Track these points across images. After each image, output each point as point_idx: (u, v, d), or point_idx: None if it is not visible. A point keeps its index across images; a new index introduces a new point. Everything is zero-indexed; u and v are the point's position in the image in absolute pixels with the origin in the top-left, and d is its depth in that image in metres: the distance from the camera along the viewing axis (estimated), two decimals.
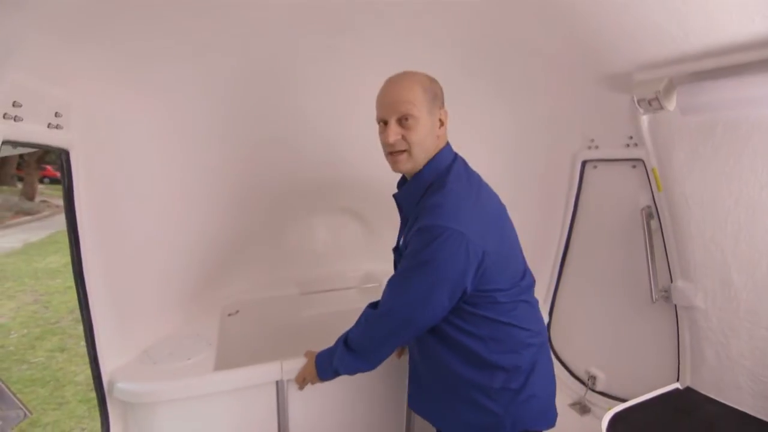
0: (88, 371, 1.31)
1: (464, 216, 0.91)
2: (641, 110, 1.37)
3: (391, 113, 0.99)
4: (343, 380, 1.39)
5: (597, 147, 1.68)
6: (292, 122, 1.82)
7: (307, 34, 1.48)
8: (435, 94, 1.02)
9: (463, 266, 0.90)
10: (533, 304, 1.09)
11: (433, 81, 1.04)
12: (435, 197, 0.95)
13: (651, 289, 1.47)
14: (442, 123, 1.04)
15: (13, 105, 0.86)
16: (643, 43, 1.22)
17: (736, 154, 1.21)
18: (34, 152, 10.12)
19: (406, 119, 0.98)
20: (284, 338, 2.21)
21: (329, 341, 2.27)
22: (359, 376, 1.36)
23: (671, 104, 1.29)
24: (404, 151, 1.00)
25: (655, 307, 1.51)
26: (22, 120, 0.89)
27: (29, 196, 10.53)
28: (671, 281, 1.44)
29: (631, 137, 1.50)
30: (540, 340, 1.08)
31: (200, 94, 1.52)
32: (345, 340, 1.10)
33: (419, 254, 0.91)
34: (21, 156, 11.43)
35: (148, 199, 1.52)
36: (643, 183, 1.51)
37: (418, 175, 1.04)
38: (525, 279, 1.06)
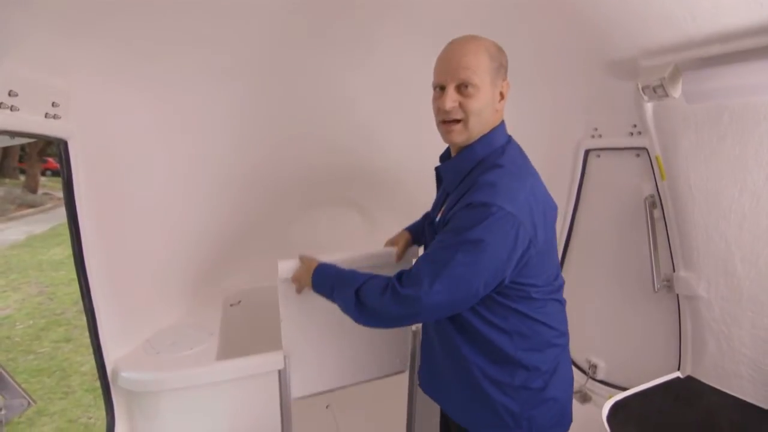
0: (94, 361, 1.32)
1: (518, 199, 0.85)
2: (646, 98, 1.34)
3: (451, 78, 0.91)
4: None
5: (600, 136, 1.66)
6: (295, 114, 1.81)
7: (311, 24, 1.46)
8: (501, 63, 0.94)
9: (509, 252, 0.84)
10: (563, 304, 1.04)
11: (500, 50, 0.96)
12: (489, 175, 0.88)
13: (653, 278, 1.46)
14: (502, 96, 0.97)
15: (9, 94, 0.86)
16: (648, 27, 1.19)
17: (742, 143, 1.19)
18: (36, 144, 10.13)
19: (466, 86, 0.90)
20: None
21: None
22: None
23: (676, 91, 1.27)
24: (459, 121, 0.93)
25: (657, 296, 1.50)
26: (18, 110, 0.88)
27: (32, 188, 10.55)
28: (674, 270, 1.44)
29: (635, 125, 1.48)
30: (565, 341, 1.03)
31: (202, 86, 1.51)
32: (357, 293, 0.94)
33: (467, 232, 0.83)
34: (23, 148, 11.44)
35: (150, 189, 1.52)
36: (646, 172, 1.50)
37: (469, 149, 0.96)
38: (558, 279, 1.02)
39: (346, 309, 0.98)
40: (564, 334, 1.02)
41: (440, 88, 0.95)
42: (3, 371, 0.83)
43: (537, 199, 0.90)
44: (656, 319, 1.56)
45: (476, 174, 0.92)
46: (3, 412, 0.83)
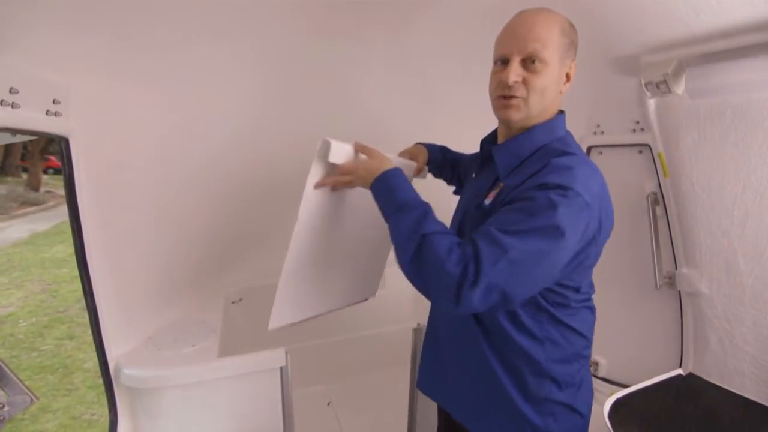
0: (96, 358, 1.32)
1: (593, 191, 0.76)
2: (649, 94, 1.34)
3: (518, 50, 0.82)
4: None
5: (603, 132, 1.65)
6: (297, 111, 1.81)
7: (309, 22, 1.45)
8: (572, 41, 0.85)
9: (575, 244, 0.74)
10: (594, 312, 0.97)
11: (573, 27, 0.86)
12: (564, 159, 0.79)
13: (655, 275, 1.46)
14: (568, 78, 0.87)
15: (10, 91, 0.86)
16: (651, 23, 1.18)
17: (746, 139, 1.19)
18: (38, 143, 10.15)
19: (533, 61, 0.81)
20: (287, 325, 2.23)
21: (333, 328, 2.27)
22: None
23: (680, 87, 1.26)
24: (519, 97, 0.84)
25: (659, 293, 1.50)
26: (19, 107, 0.88)
27: (34, 186, 10.59)
28: (676, 267, 1.43)
29: (637, 122, 1.47)
30: (590, 353, 0.96)
31: (205, 82, 1.51)
32: (420, 242, 0.76)
33: (541, 215, 0.71)
34: (25, 147, 11.47)
35: (151, 186, 1.52)
36: (649, 169, 1.49)
37: (528, 133, 0.87)
38: (592, 287, 0.96)
39: (400, 242, 0.80)
40: (591, 345, 0.95)
41: (502, 62, 0.85)
42: (6, 368, 0.84)
43: (606, 199, 0.82)
44: (658, 316, 1.55)
45: (538, 158, 0.83)
46: (6, 408, 0.84)
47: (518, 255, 0.70)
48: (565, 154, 0.81)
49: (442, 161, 1.28)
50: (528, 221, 0.72)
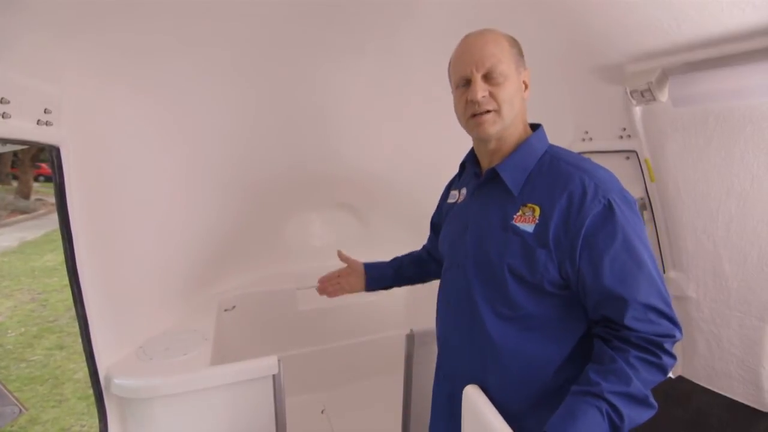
0: (87, 368, 1.31)
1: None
2: (634, 102, 1.37)
3: (477, 68, 0.85)
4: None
5: (591, 139, 1.68)
6: (288, 117, 1.82)
7: (300, 28, 1.47)
8: (520, 51, 0.91)
9: None
10: None
11: (515, 40, 0.92)
12: (584, 162, 0.86)
13: None
14: (526, 85, 0.91)
15: (1, 101, 0.86)
16: (635, 34, 1.22)
17: (728, 145, 1.22)
18: (29, 150, 10.05)
19: (494, 75, 0.85)
20: (280, 333, 2.22)
21: (325, 336, 2.26)
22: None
23: (663, 95, 1.29)
24: (491, 111, 0.86)
25: None
26: (10, 117, 0.88)
27: (24, 194, 10.47)
28: (663, 271, 1.45)
29: (624, 129, 1.50)
30: None
31: (194, 89, 1.52)
32: (646, 399, 0.79)
33: (628, 227, 0.78)
34: (15, 154, 11.34)
35: (143, 194, 1.52)
36: (636, 174, 1.52)
37: (527, 144, 0.90)
38: None
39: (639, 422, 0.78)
40: None
41: (464, 84, 0.88)
42: None
43: None
44: None
45: (548, 166, 0.86)
46: None
47: (652, 272, 0.78)
48: (575, 157, 0.88)
49: (393, 275, 1.28)
50: (637, 246, 0.78)
